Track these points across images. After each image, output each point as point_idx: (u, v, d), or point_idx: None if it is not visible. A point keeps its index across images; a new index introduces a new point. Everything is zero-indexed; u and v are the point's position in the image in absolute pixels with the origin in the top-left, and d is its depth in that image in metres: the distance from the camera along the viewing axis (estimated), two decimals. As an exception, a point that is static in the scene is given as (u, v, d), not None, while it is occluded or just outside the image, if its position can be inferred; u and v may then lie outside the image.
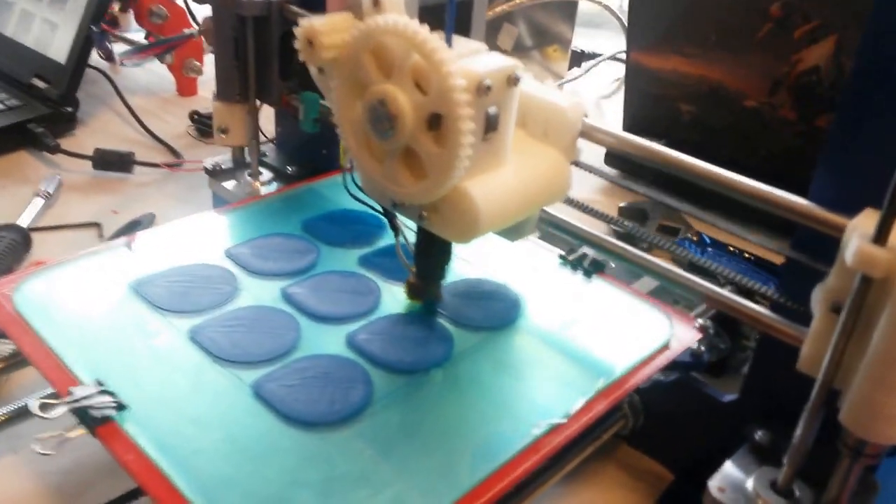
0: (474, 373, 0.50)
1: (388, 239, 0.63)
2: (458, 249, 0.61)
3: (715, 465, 0.44)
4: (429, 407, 0.47)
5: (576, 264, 0.61)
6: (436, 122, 0.42)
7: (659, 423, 0.55)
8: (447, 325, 0.54)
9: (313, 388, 0.47)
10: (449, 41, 0.44)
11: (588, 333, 0.54)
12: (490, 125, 0.44)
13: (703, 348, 0.54)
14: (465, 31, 0.54)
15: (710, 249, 0.78)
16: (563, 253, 0.62)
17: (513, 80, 0.44)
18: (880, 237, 0.33)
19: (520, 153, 0.48)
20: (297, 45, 0.45)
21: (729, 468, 0.44)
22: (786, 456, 0.40)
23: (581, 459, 0.52)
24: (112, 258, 0.58)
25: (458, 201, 0.45)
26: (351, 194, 0.52)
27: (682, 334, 0.54)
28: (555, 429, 0.45)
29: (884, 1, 0.38)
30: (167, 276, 0.56)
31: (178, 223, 0.63)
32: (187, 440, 0.42)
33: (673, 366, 0.53)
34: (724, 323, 0.58)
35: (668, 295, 0.64)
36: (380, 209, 0.52)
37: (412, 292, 0.56)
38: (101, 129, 1.03)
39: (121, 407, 0.43)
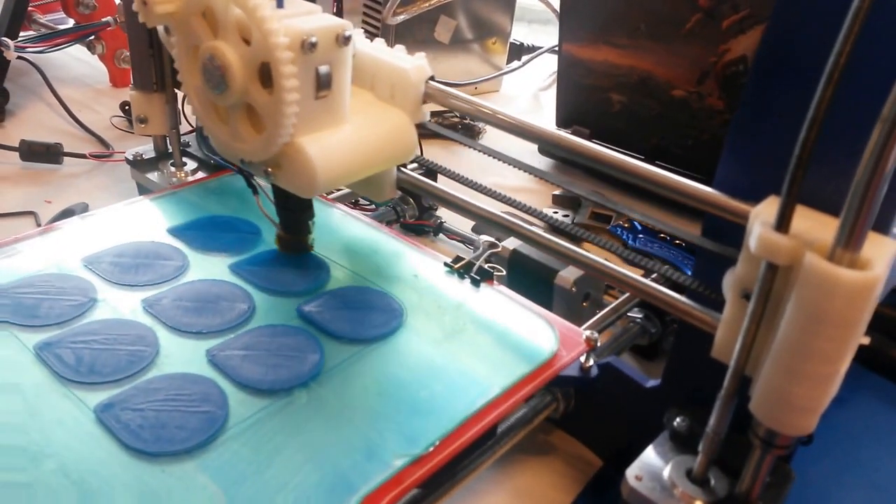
0: (343, 392, 0.47)
1: (262, 247, 0.60)
2: (336, 257, 0.60)
3: (640, 452, 0.43)
4: (288, 433, 0.43)
5: (462, 273, 0.59)
6: (267, 80, 0.44)
7: (587, 408, 0.54)
8: (319, 339, 0.51)
9: (161, 413, 0.43)
10: (280, 1, 0.45)
11: (469, 347, 0.52)
12: (322, 83, 0.45)
13: (591, 362, 0.52)
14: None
15: (641, 236, 0.79)
16: (448, 261, 0.60)
17: (342, 39, 0.45)
18: (782, 224, 0.33)
19: (366, 113, 0.50)
20: (134, 6, 0.47)
21: (648, 456, 0.43)
22: (700, 444, 0.40)
23: (511, 446, 0.50)
24: None
25: (295, 157, 0.47)
26: (205, 153, 0.55)
27: (568, 346, 0.52)
28: (418, 460, 0.42)
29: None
30: (19, 287, 0.52)
31: (50, 227, 0.60)
32: (15, 473, 0.39)
33: (558, 381, 0.51)
34: (654, 307, 0.57)
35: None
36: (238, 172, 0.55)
37: (282, 245, 0.59)
38: (30, 121, 1.01)
39: None
